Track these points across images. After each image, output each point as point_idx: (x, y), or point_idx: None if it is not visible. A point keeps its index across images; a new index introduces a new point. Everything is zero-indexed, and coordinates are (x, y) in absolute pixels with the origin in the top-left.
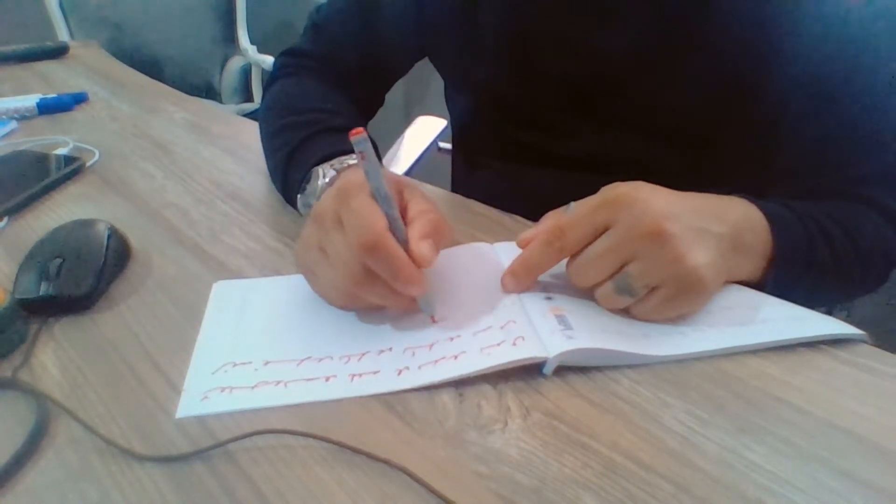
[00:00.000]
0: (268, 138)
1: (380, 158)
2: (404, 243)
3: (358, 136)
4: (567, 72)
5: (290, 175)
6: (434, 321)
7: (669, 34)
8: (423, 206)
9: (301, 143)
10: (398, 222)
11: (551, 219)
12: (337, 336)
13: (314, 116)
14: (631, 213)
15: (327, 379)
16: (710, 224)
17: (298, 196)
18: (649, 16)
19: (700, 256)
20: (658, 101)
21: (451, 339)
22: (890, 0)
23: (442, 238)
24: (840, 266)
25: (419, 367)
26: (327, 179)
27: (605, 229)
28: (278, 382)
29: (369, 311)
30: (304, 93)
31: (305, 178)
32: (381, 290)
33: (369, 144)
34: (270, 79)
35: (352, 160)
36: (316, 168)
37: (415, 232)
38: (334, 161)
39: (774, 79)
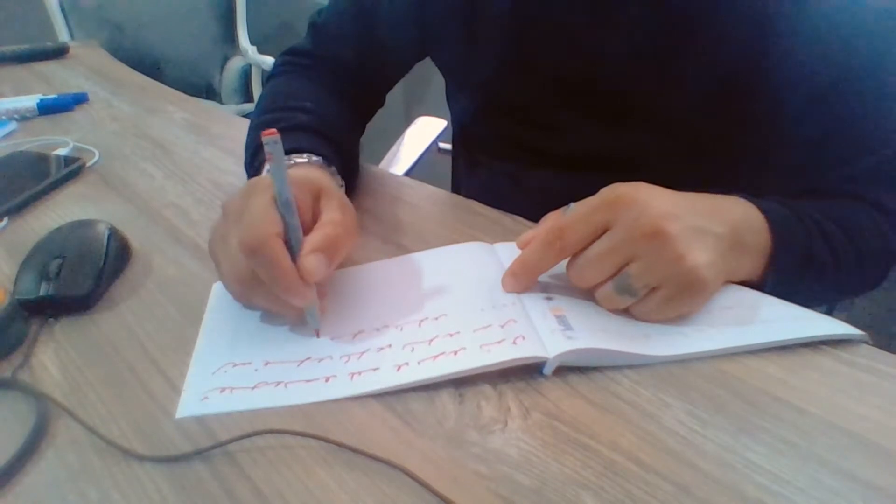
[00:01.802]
0: (249, 132)
1: (358, 159)
2: (299, 253)
3: (268, 136)
4: (567, 70)
5: (250, 171)
6: (317, 335)
7: (669, 33)
8: (331, 216)
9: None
10: (296, 231)
11: (551, 220)
12: (337, 336)
13: (284, 115)
14: (630, 214)
15: (327, 379)
16: (709, 224)
17: None
18: (649, 15)
19: (700, 256)
20: (658, 99)
21: (451, 335)
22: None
23: (336, 253)
24: (839, 265)
25: (419, 363)
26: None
27: (605, 230)
28: (278, 383)
29: (368, 310)
30: (288, 91)
31: (258, 173)
32: (264, 294)
33: (280, 147)
34: (267, 78)
35: (301, 158)
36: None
37: (308, 244)
38: (287, 157)
39: (772, 77)
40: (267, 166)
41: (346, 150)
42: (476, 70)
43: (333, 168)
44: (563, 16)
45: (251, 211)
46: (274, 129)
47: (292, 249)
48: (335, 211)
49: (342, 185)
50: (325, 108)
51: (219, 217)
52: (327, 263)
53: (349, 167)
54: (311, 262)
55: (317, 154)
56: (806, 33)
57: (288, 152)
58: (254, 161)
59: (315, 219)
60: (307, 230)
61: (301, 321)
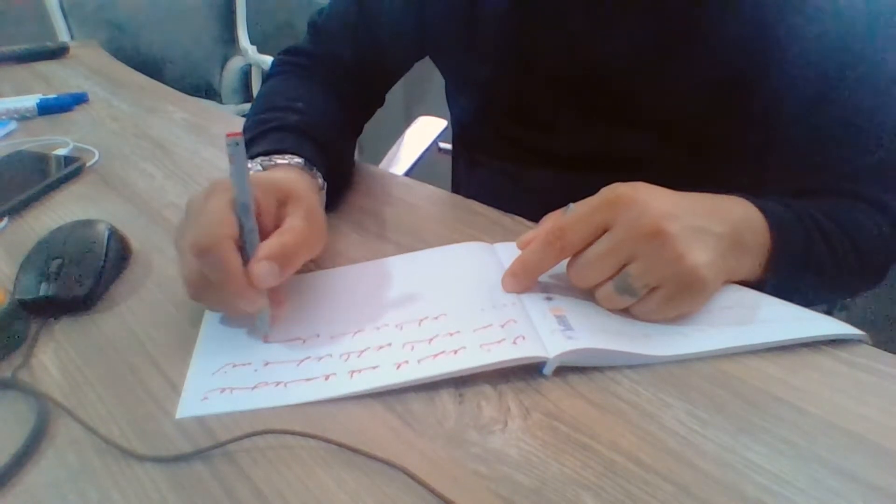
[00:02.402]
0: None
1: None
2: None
3: (232, 138)
4: (567, 70)
5: None
6: (266, 341)
7: (668, 33)
8: (292, 223)
9: (251, 141)
10: (252, 235)
11: (551, 220)
12: (337, 335)
13: (274, 115)
14: (630, 214)
15: (327, 378)
16: (709, 224)
17: None
18: (648, 14)
19: (699, 256)
20: (657, 99)
21: (451, 334)
22: None
23: (291, 262)
24: (838, 264)
25: (418, 362)
26: (252, 173)
27: (605, 230)
28: (278, 383)
29: (368, 309)
30: (281, 91)
31: None
32: (214, 295)
33: (242, 149)
34: (265, 78)
35: (282, 160)
36: (248, 162)
37: (262, 249)
38: (266, 158)
39: (771, 77)
40: (280, 161)
41: (334, 151)
42: (476, 70)
43: (315, 170)
44: (562, 16)
45: (207, 212)
46: (238, 132)
47: (246, 254)
48: (298, 218)
49: (323, 188)
50: (317, 109)
51: (184, 213)
52: (279, 271)
53: (337, 169)
54: (262, 268)
55: (299, 156)
56: (804, 35)
57: (270, 153)
58: None
59: (278, 224)
60: (269, 235)
61: (251, 325)
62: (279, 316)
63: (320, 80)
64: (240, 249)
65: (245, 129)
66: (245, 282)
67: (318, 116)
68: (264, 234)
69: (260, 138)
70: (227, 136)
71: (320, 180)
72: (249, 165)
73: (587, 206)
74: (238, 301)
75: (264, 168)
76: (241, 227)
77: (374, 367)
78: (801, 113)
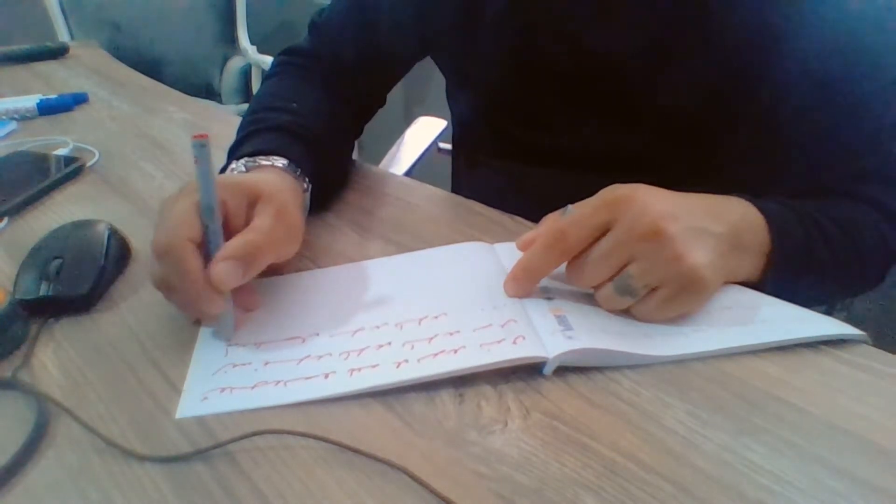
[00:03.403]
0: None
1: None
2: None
3: (197, 139)
4: (568, 68)
5: (225, 167)
6: (227, 343)
7: (670, 31)
8: (258, 223)
9: (240, 141)
10: (217, 237)
11: (550, 221)
12: (336, 334)
13: (265, 115)
14: (630, 214)
15: (326, 376)
16: (708, 224)
17: None
18: (650, 12)
19: (699, 256)
20: (658, 98)
21: (451, 333)
22: None
23: (255, 262)
24: (838, 264)
25: (418, 361)
26: (235, 173)
27: (605, 231)
28: (278, 382)
29: (368, 309)
30: (277, 91)
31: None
32: (178, 297)
33: (207, 151)
34: (264, 78)
35: (266, 161)
36: (234, 162)
37: (224, 250)
38: (250, 159)
39: (773, 76)
40: (265, 163)
41: (325, 152)
42: (476, 70)
43: (300, 172)
44: (563, 16)
45: (170, 214)
46: (204, 133)
47: (210, 255)
48: (266, 218)
49: (307, 189)
50: (311, 109)
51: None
52: (242, 272)
53: (329, 170)
54: (221, 269)
55: (285, 157)
56: (804, 33)
57: (255, 154)
58: (228, 162)
59: (247, 224)
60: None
61: (217, 327)
62: (244, 319)
63: (320, 81)
64: (205, 251)
65: (238, 130)
66: (204, 284)
67: (312, 117)
68: (233, 236)
69: (248, 139)
70: (193, 137)
71: (305, 182)
72: (233, 166)
73: (587, 207)
74: (198, 304)
75: (247, 169)
76: (206, 229)
77: (373, 366)
78: (801, 112)
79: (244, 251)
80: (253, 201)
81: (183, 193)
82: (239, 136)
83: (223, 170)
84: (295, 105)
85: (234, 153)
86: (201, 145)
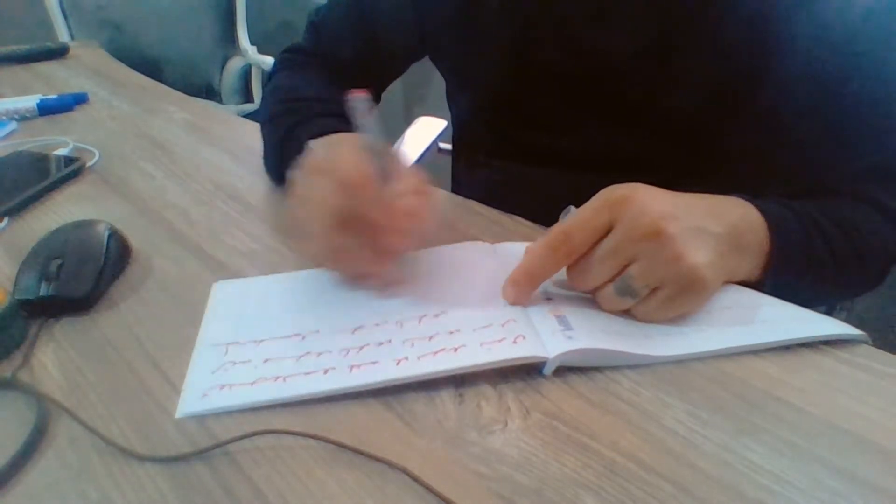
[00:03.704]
0: (263, 125)
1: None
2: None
3: (357, 96)
4: (567, 68)
5: (284, 153)
6: (407, 285)
7: (669, 31)
8: (411, 182)
9: (297, 124)
10: (388, 175)
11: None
12: (337, 331)
13: (312, 104)
14: (630, 215)
15: (326, 371)
16: (708, 224)
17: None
18: (649, 12)
19: (699, 256)
20: (658, 97)
21: (451, 332)
22: None
23: (427, 197)
24: (838, 264)
25: (418, 358)
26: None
27: (607, 232)
28: (277, 378)
29: (368, 307)
30: (303, 83)
31: (300, 153)
32: (357, 241)
33: (368, 105)
34: (270, 74)
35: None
36: (311, 141)
37: (401, 185)
38: (329, 137)
39: (773, 75)
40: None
41: None
42: (476, 70)
43: None
44: (564, 14)
45: (344, 156)
46: (363, 89)
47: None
48: (415, 178)
49: None
50: (342, 100)
51: (298, 181)
52: (422, 205)
53: None
54: (412, 201)
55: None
56: (805, 33)
57: (327, 135)
58: (283, 157)
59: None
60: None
61: (383, 278)
62: (400, 280)
63: (327, 77)
64: None
65: (272, 118)
66: (399, 214)
67: (343, 104)
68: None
69: (307, 123)
70: (353, 94)
71: None
72: (311, 142)
73: (588, 209)
74: (387, 237)
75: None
76: (378, 170)
77: (373, 363)
78: (802, 112)
79: (418, 185)
80: (395, 162)
81: (338, 142)
82: (293, 121)
83: (279, 165)
84: (328, 95)
85: (288, 135)
86: (364, 99)
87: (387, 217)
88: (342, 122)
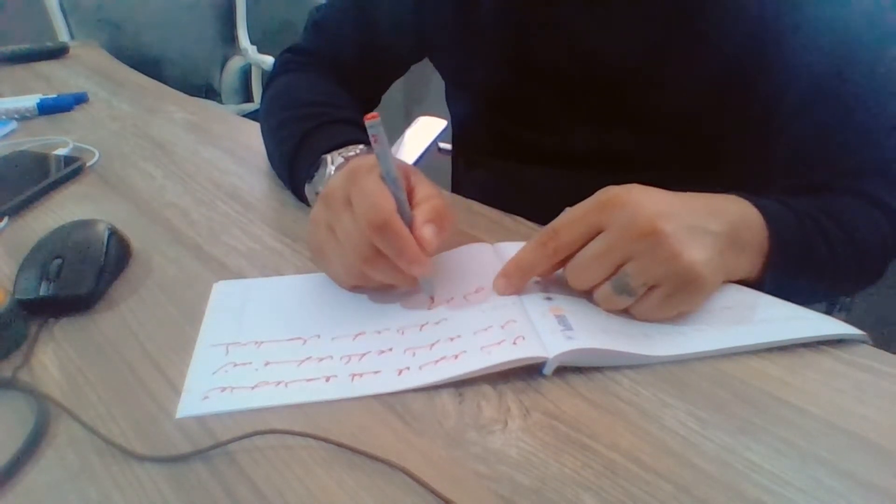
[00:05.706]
0: (272, 131)
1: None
2: (409, 226)
3: (373, 119)
4: (565, 68)
5: (298, 164)
6: (432, 301)
7: (667, 31)
8: (428, 191)
9: (309, 133)
10: (405, 205)
11: None
12: (338, 337)
13: (321, 109)
14: (624, 215)
15: (328, 379)
16: (705, 222)
17: (306, 185)
18: (648, 12)
19: (696, 253)
20: (655, 97)
21: (452, 339)
22: None
23: (444, 223)
24: (837, 262)
25: (420, 368)
26: (335, 166)
27: (599, 231)
28: (278, 383)
29: (369, 313)
30: (308, 86)
31: (314, 165)
32: (386, 268)
33: (382, 129)
34: (271, 75)
35: (361, 149)
36: (325, 156)
37: (420, 216)
38: (343, 149)
39: (771, 74)
40: (361, 151)
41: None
42: (475, 70)
43: None
44: (561, 15)
45: (365, 192)
46: (376, 114)
47: (404, 222)
48: (429, 186)
49: None
50: (349, 104)
51: (317, 208)
52: (440, 232)
53: None
54: (428, 231)
55: (362, 143)
56: (802, 31)
57: (346, 144)
58: (298, 168)
59: (408, 196)
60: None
61: (415, 291)
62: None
63: (329, 78)
64: None
65: (280, 125)
66: (418, 248)
67: (357, 111)
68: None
69: (318, 132)
70: (366, 118)
71: None
72: (330, 159)
73: (581, 208)
74: (413, 268)
75: (346, 159)
76: (396, 200)
77: (376, 372)
78: (800, 110)
79: (436, 213)
80: (406, 175)
81: (356, 175)
82: (303, 129)
83: (287, 163)
84: (335, 99)
85: (300, 145)
86: (378, 124)
87: (411, 250)
88: (354, 129)
